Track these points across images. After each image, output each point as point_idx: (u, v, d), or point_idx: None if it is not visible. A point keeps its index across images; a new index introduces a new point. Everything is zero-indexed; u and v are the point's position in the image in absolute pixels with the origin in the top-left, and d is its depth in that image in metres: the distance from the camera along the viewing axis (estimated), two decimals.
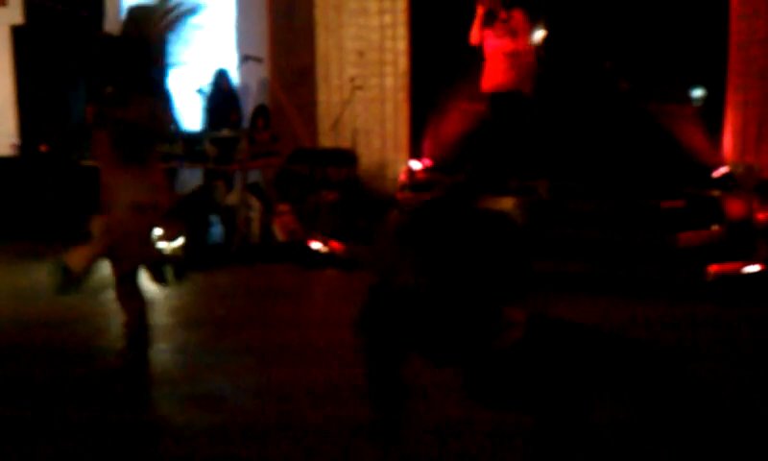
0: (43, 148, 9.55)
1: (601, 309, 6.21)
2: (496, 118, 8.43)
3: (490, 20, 8.36)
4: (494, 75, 8.39)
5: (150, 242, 5.14)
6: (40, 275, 7.48)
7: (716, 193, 8.03)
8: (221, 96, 9.74)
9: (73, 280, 4.83)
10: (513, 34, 8.29)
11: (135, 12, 5.14)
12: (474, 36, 8.41)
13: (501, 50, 8.34)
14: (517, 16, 8.28)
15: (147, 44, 4.93)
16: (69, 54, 9.57)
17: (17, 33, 10.00)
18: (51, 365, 5.16)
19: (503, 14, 8.28)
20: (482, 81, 8.47)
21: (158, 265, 5.24)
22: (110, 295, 6.55)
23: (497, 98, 8.39)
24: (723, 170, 8.43)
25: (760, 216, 7.58)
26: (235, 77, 10.19)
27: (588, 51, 9.14)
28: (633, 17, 8.83)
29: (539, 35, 9.22)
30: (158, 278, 5.18)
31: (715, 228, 7.55)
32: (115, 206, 4.75)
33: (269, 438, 4.09)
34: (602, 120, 8.90)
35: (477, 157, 8.40)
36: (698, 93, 9.00)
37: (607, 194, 8.12)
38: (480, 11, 8.34)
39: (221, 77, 9.76)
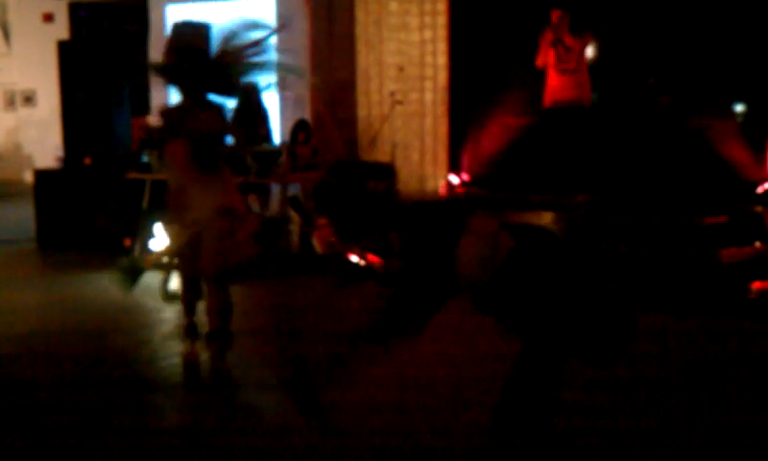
0: (87, 161, 9.69)
1: (642, 325, 6.14)
2: (554, 134, 8.47)
3: (555, 45, 8.46)
4: (556, 92, 8.47)
5: (244, 243, 5.47)
6: (84, 285, 7.63)
7: (759, 209, 7.93)
8: (250, 111, 9.72)
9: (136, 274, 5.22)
10: (578, 55, 8.38)
11: (183, 28, 5.31)
12: (541, 60, 8.53)
13: (563, 71, 8.44)
14: (581, 43, 8.40)
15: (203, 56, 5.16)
16: (114, 68, 9.72)
17: (63, 48, 10.17)
18: (92, 373, 5.22)
19: (569, 41, 8.39)
20: (544, 97, 8.55)
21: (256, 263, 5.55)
22: (153, 306, 6.65)
23: (556, 114, 8.46)
24: (767, 185, 8.32)
25: None
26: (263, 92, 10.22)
27: (630, 66, 9.10)
28: (675, 32, 8.77)
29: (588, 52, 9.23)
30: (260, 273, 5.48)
31: (758, 244, 7.45)
32: (199, 211, 5.06)
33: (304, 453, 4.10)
34: (644, 135, 8.84)
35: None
36: (741, 108, 8.90)
37: (648, 210, 8.06)
38: (549, 37, 8.43)
39: (251, 92, 9.77)
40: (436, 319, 3.61)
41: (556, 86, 8.53)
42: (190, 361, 5.37)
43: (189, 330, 5.40)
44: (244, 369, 5.39)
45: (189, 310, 5.40)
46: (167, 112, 5.41)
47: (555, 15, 8.52)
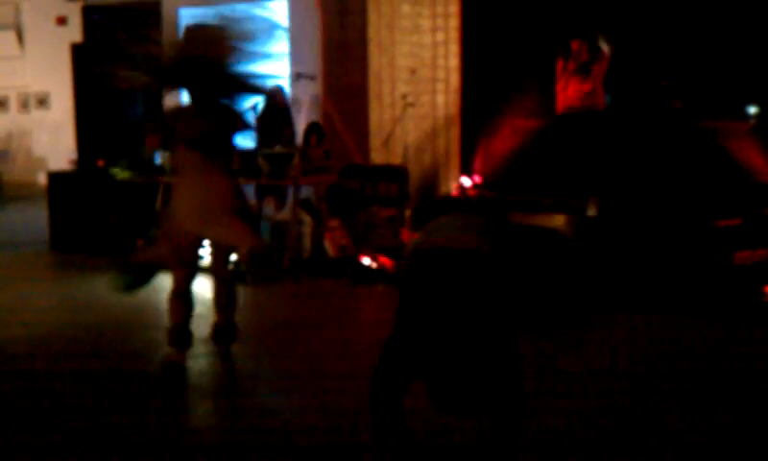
0: (100, 163, 9.73)
1: (654, 329, 6.14)
2: (570, 136, 8.53)
3: (575, 73, 8.53)
4: (570, 101, 8.55)
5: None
6: (95, 287, 7.66)
7: None
8: (275, 112, 9.78)
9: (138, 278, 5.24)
10: (596, 74, 8.46)
11: (195, 32, 5.34)
12: (562, 87, 8.59)
13: (579, 87, 8.51)
14: (599, 63, 8.47)
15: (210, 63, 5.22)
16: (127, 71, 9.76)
17: (77, 50, 10.22)
18: (104, 374, 5.24)
19: (589, 65, 8.49)
20: (558, 105, 8.60)
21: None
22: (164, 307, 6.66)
23: (571, 116, 8.52)
24: None
25: None
26: (288, 94, 10.29)
27: (643, 69, 9.07)
28: (688, 35, 8.75)
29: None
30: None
31: None
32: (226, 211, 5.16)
33: (310, 453, 4.10)
34: (657, 138, 8.81)
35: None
36: (753, 109, 8.87)
37: (661, 212, 8.03)
38: (571, 66, 8.48)
39: (276, 92, 9.83)
40: None
41: (570, 96, 8.60)
42: (174, 362, 5.30)
43: (180, 336, 5.31)
44: (251, 369, 5.41)
45: (184, 315, 5.33)
46: (173, 115, 5.45)
47: (574, 45, 8.57)
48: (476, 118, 9.71)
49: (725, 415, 4.48)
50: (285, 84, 10.25)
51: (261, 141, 9.48)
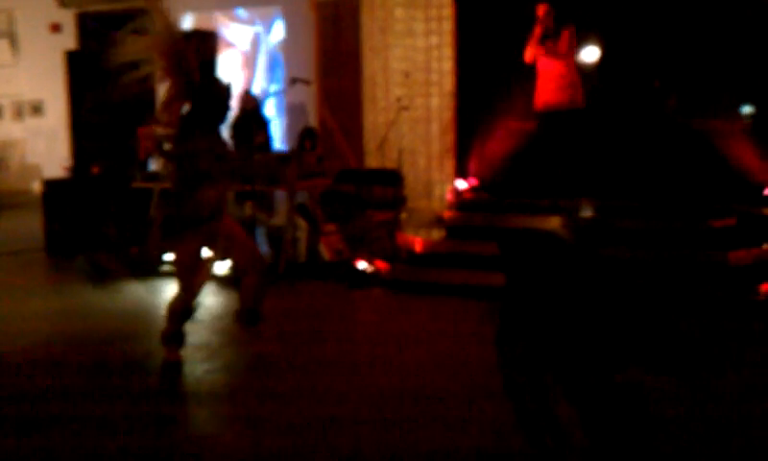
0: (95, 170, 9.72)
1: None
2: (549, 138, 8.45)
3: (545, 39, 8.41)
4: (546, 93, 8.40)
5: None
6: (92, 293, 7.65)
7: (767, 211, 7.91)
8: (247, 118, 9.68)
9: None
10: (559, 53, 8.31)
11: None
12: (529, 54, 8.44)
13: (551, 68, 8.37)
14: (564, 35, 8.30)
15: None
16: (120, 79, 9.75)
17: (71, 57, 10.22)
18: (100, 381, 5.24)
19: (555, 35, 8.37)
20: (534, 98, 8.50)
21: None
22: (161, 314, 6.65)
23: (551, 117, 8.41)
24: None
25: None
26: (271, 100, 10.24)
27: (635, 68, 9.09)
28: (682, 34, 8.77)
29: (592, 55, 9.20)
30: None
31: (767, 246, 7.43)
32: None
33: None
34: (651, 138, 8.82)
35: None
36: (748, 109, 8.88)
37: (656, 213, 8.03)
38: (538, 31, 8.37)
39: (246, 98, 9.78)
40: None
41: (547, 89, 8.47)
42: (173, 361, 5.47)
43: (174, 337, 5.48)
44: (245, 374, 5.41)
45: (179, 318, 5.47)
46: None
47: (541, 10, 8.46)
48: (471, 121, 9.71)
49: (722, 413, 4.49)
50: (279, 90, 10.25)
51: (235, 147, 9.38)
